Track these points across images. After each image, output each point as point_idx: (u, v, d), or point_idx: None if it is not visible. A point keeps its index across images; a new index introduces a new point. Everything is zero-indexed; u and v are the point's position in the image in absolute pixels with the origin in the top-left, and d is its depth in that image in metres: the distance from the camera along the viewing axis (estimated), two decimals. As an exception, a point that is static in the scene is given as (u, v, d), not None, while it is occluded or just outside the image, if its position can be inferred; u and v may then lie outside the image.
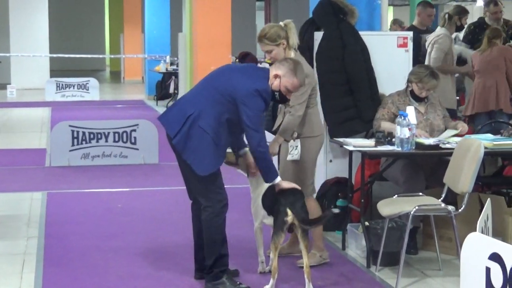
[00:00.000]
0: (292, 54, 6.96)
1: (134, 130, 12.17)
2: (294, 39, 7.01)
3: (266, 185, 6.61)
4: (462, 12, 10.53)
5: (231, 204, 6.47)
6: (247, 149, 6.59)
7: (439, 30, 10.27)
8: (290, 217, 6.28)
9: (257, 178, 6.74)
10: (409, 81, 7.78)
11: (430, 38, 10.31)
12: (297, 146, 7.05)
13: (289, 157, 7.09)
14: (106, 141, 12.04)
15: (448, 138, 7.47)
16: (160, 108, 21.03)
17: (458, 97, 11.34)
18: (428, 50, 10.28)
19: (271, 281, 6.35)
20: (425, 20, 10.56)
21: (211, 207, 6.37)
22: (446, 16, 10.38)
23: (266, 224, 6.74)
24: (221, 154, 6.34)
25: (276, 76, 6.31)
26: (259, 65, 18.13)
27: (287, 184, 6.37)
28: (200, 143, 6.24)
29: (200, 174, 6.27)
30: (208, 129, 6.23)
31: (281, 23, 7.02)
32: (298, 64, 6.39)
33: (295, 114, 6.92)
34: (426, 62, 10.07)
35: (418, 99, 7.76)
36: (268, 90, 6.26)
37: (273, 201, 6.46)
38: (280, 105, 7.17)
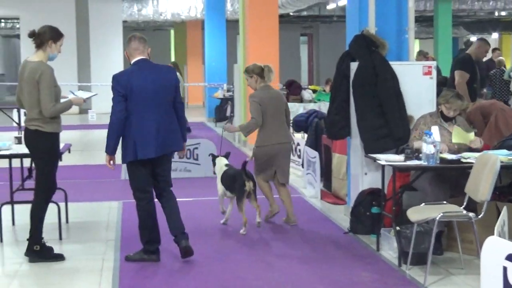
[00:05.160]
0: (261, 84, 8.72)
1: (196, 148, 12.20)
2: (268, 76, 8.74)
3: (221, 172, 8.69)
4: None
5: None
6: None
7: None
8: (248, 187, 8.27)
9: (219, 169, 8.78)
10: (438, 103, 7.75)
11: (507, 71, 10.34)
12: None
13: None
14: (173, 157, 12.05)
15: (467, 153, 7.40)
16: (219, 128, 21.08)
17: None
18: None
19: (243, 228, 8.27)
20: (481, 54, 10.39)
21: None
22: None
23: (227, 197, 8.67)
24: None
25: None
26: (303, 91, 18.16)
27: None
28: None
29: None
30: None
31: (263, 65, 8.77)
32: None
33: (256, 121, 8.55)
34: None
35: (447, 119, 7.71)
36: None
37: (231, 181, 8.44)
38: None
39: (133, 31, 37.58)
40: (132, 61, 7.11)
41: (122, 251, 7.59)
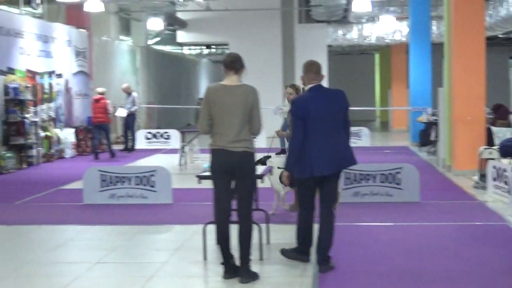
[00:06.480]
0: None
1: (399, 172, 12.04)
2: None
3: (277, 173, 9.75)
4: None
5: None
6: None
7: None
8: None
9: (272, 172, 9.62)
10: None
11: None
12: None
13: None
14: (373, 181, 12.00)
15: None
16: (422, 153, 20.76)
17: None
18: None
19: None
20: None
21: None
22: None
23: (289, 191, 10.51)
24: None
25: None
26: (511, 116, 17.53)
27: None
28: None
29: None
30: None
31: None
32: None
33: None
34: None
35: None
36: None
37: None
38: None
39: (338, 55, 38.00)
40: (308, 87, 7.91)
41: (320, 273, 7.63)
